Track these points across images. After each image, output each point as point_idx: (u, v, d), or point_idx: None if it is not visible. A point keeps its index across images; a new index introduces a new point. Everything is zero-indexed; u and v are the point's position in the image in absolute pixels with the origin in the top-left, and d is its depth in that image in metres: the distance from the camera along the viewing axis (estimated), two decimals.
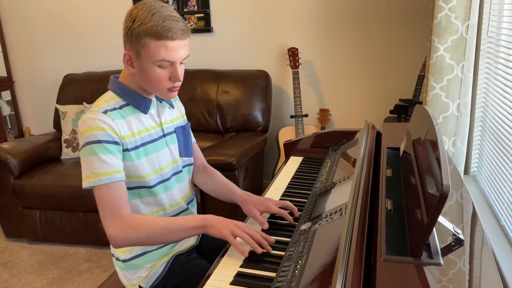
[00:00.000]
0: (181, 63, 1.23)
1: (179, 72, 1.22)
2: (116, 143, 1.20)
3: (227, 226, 1.13)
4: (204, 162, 1.55)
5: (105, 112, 1.21)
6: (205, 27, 3.18)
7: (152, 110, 1.33)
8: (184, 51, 1.21)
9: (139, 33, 1.16)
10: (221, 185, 1.47)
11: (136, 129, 1.27)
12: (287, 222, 1.27)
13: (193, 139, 1.51)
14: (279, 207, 1.30)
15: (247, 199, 1.34)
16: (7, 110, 3.73)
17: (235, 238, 1.12)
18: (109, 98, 1.27)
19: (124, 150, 1.24)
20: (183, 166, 1.42)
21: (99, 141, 1.17)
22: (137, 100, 1.28)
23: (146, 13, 1.16)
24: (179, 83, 1.25)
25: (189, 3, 3.16)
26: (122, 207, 1.18)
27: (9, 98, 3.73)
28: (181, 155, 1.41)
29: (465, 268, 0.81)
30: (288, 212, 1.30)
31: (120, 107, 1.26)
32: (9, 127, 3.82)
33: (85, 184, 1.19)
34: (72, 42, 3.49)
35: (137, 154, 1.26)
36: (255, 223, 1.28)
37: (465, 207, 1.11)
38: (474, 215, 1.05)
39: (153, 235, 1.18)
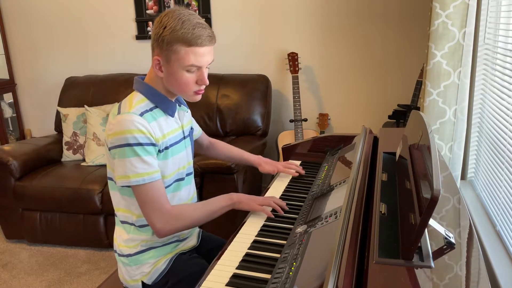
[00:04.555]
0: (206, 67, 1.30)
1: (205, 76, 1.30)
2: (154, 145, 1.27)
3: (253, 200, 1.38)
4: (209, 138, 1.74)
5: (141, 114, 1.26)
6: None
7: (175, 113, 1.39)
8: (210, 57, 1.29)
9: (170, 40, 1.22)
10: (234, 152, 1.74)
11: (165, 130, 1.33)
12: (283, 225, 1.29)
13: (201, 131, 1.69)
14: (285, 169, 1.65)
15: (260, 162, 1.69)
16: (8, 112, 3.76)
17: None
18: (139, 100, 1.31)
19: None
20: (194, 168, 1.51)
21: (140, 144, 1.23)
22: (165, 103, 1.34)
23: (176, 21, 1.22)
24: (204, 86, 1.32)
25: (190, 7, 3.18)
26: (165, 202, 1.28)
27: (11, 100, 3.76)
28: (193, 157, 1.49)
29: (456, 271, 0.83)
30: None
31: (151, 109, 1.31)
32: (11, 129, 3.84)
33: (124, 183, 1.25)
34: (74, 45, 3.52)
35: (166, 155, 1.32)
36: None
37: (461, 212, 1.13)
38: (468, 220, 1.06)
39: (196, 221, 1.32)
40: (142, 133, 1.23)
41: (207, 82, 1.30)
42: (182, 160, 1.40)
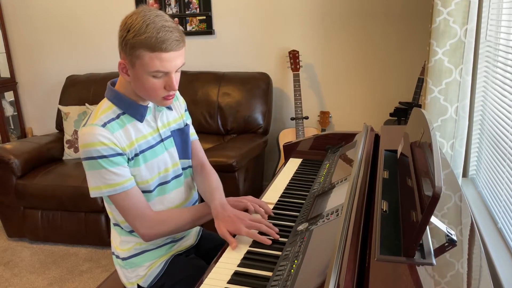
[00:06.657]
0: (176, 71, 1.22)
1: (174, 81, 1.21)
2: (120, 154, 1.22)
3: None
4: (203, 162, 1.51)
5: (103, 125, 1.21)
6: (206, 29, 3.20)
7: (148, 117, 1.32)
8: (179, 61, 1.20)
9: (133, 44, 1.15)
10: (208, 188, 1.40)
11: (134, 137, 1.27)
12: (285, 222, 1.29)
13: (195, 137, 1.51)
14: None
15: (218, 214, 1.26)
16: (10, 111, 3.76)
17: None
18: (106, 108, 1.26)
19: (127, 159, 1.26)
20: (183, 169, 1.42)
21: (104, 156, 1.19)
22: (133, 109, 1.28)
23: (140, 24, 1.14)
24: (174, 92, 1.25)
25: (191, 5, 3.18)
26: (145, 208, 1.27)
27: (12, 99, 3.76)
28: (179, 158, 1.41)
29: (457, 269, 0.83)
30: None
31: (117, 116, 1.26)
32: (12, 127, 3.84)
33: (97, 194, 1.23)
34: (75, 44, 3.52)
35: (137, 162, 1.28)
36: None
37: (462, 209, 1.13)
38: (470, 218, 1.06)
39: (181, 226, 1.31)
40: (104, 145, 1.19)
41: (176, 87, 1.22)
42: (163, 163, 1.33)
